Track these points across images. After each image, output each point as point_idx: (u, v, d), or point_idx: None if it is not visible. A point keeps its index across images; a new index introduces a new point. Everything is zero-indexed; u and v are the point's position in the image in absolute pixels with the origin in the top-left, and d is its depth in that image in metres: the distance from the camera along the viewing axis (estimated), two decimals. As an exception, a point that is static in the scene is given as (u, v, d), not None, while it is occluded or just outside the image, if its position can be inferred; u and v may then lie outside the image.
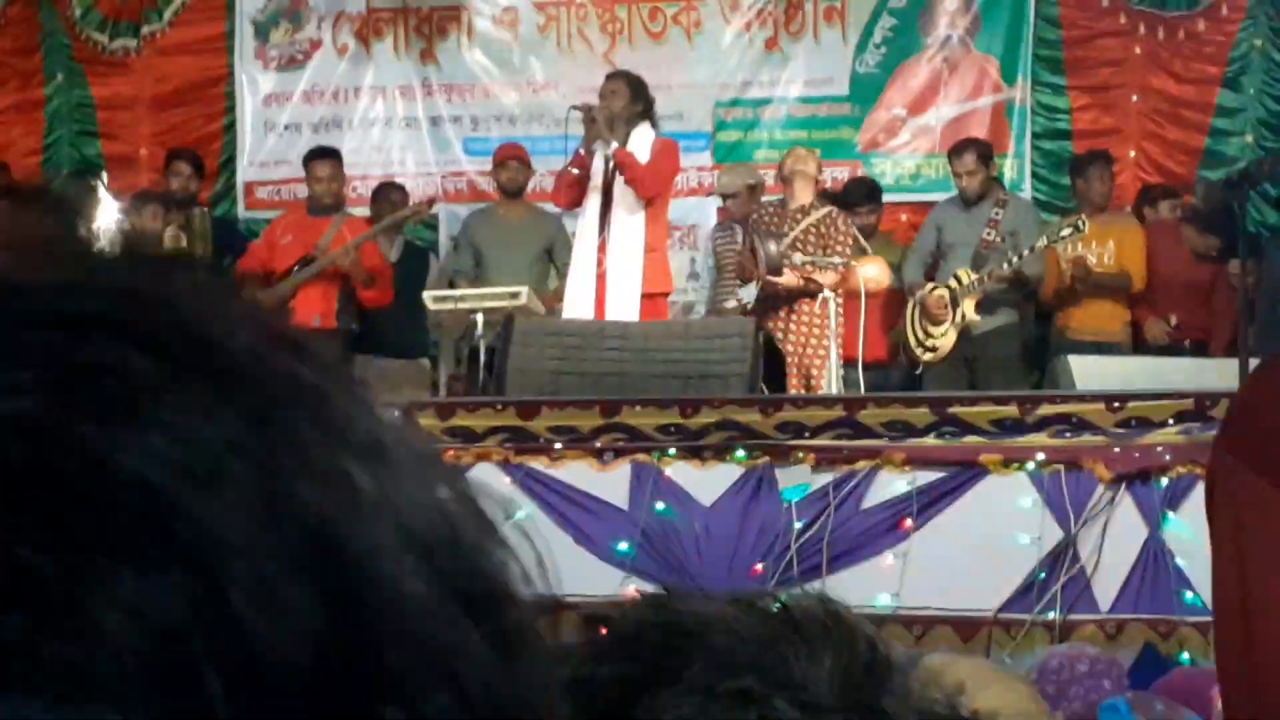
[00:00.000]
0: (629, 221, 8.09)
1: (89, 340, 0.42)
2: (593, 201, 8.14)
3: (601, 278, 8.06)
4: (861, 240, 8.66)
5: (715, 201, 10.29)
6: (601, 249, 8.09)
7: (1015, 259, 8.50)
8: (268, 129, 11.17)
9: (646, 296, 8.06)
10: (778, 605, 0.86)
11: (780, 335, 8.35)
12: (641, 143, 8.13)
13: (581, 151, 8.25)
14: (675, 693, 0.81)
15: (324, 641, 0.41)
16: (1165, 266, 9.22)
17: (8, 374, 0.41)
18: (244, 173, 11.19)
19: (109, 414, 0.41)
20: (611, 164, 8.08)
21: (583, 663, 0.83)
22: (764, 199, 9.12)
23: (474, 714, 0.43)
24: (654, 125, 8.29)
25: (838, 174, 10.08)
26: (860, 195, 9.42)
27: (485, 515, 0.46)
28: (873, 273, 8.42)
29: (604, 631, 0.86)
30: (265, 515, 0.41)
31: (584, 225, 8.22)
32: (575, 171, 8.25)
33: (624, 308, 7.95)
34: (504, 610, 0.45)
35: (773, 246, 8.34)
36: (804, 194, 8.66)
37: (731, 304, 8.77)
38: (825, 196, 9.05)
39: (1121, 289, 9.15)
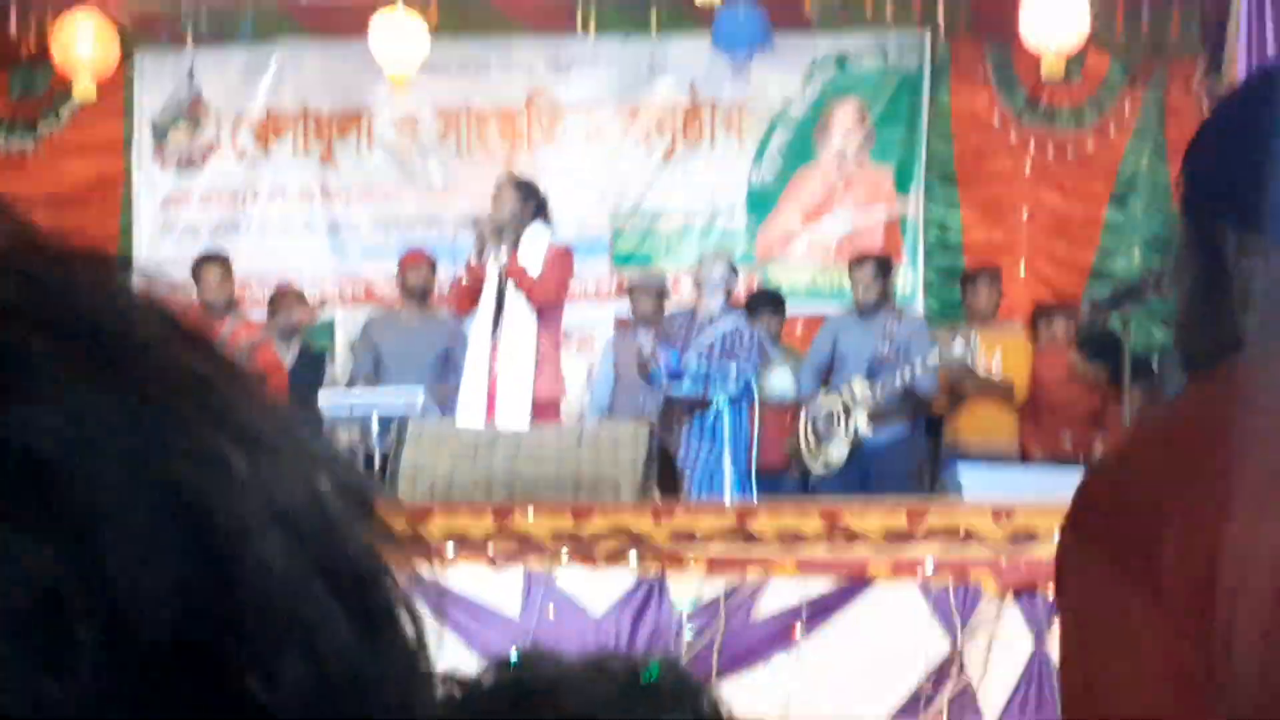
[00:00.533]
0: (521, 328, 8.12)
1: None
2: (485, 308, 8.17)
3: (493, 384, 8.08)
4: (769, 349, 8.73)
5: (613, 309, 10.37)
6: (493, 355, 8.11)
7: (908, 373, 8.60)
8: (165, 231, 11.13)
9: (539, 403, 8.07)
10: (626, 669, 0.88)
11: (676, 443, 8.38)
12: (536, 247, 8.17)
13: (472, 261, 8.28)
14: None
15: (190, 607, 0.44)
16: (1056, 387, 9.34)
17: None
18: (149, 281, 11.09)
19: (2, 389, 0.44)
20: (503, 272, 8.13)
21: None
22: (673, 312, 9.12)
23: (330, 685, 0.46)
24: (548, 225, 8.33)
25: (738, 284, 10.17)
26: (763, 304, 9.50)
27: (364, 504, 0.50)
28: (780, 382, 8.49)
29: (462, 692, 0.88)
30: (141, 487, 0.44)
31: (476, 331, 8.24)
32: (465, 282, 8.29)
33: (515, 414, 7.96)
34: (368, 591, 0.48)
35: (676, 358, 8.40)
36: (712, 302, 8.68)
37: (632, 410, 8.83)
38: (730, 306, 9.11)
39: (1004, 394, 9.26)
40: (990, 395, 9.18)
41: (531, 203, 8.35)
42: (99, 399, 0.45)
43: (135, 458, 0.45)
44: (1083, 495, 1.50)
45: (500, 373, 8.08)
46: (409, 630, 0.51)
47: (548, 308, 8.17)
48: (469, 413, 8.05)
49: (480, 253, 8.28)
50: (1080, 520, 1.48)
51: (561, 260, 8.27)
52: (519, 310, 8.12)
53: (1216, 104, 1.65)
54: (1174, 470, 1.39)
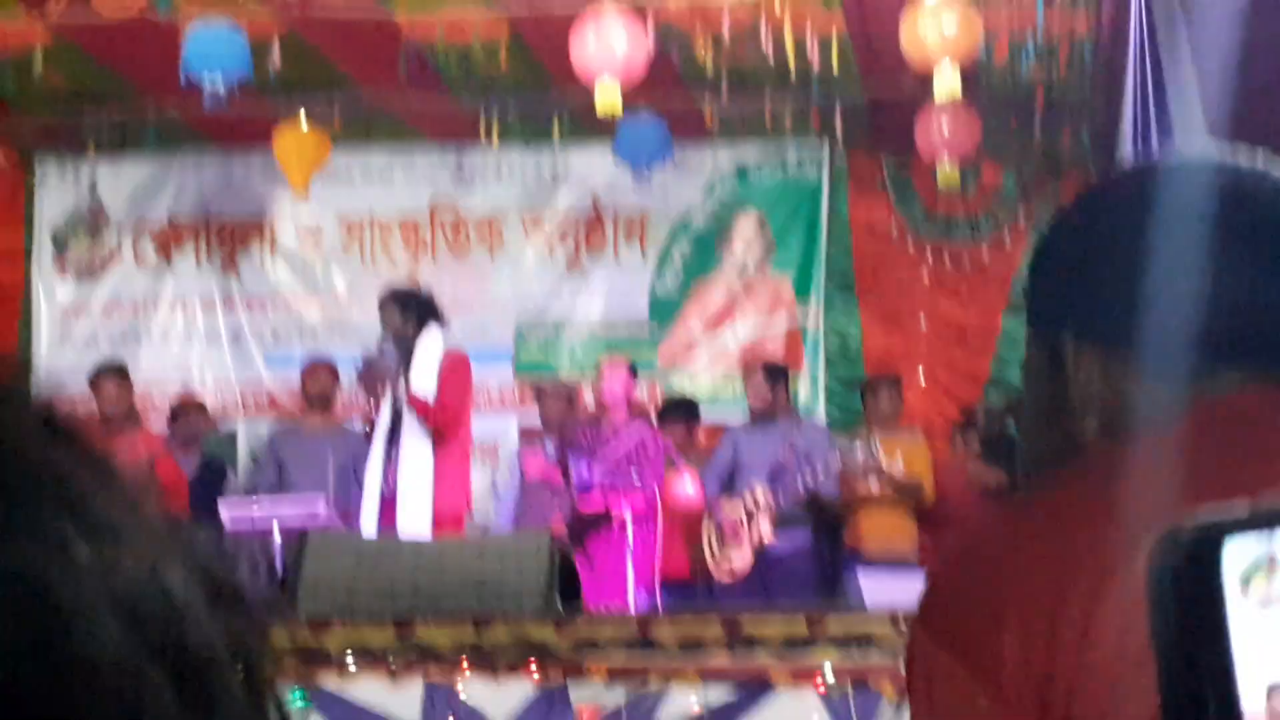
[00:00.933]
0: (418, 443, 8.13)
1: None
2: (382, 423, 8.18)
3: (390, 499, 8.08)
4: (675, 457, 8.76)
5: (516, 417, 10.39)
6: (389, 469, 8.11)
7: (810, 480, 8.65)
8: (65, 340, 11.06)
9: (440, 516, 8.07)
10: None
11: (584, 554, 8.39)
12: (430, 352, 8.20)
13: (362, 377, 8.38)
14: None
15: (24, 679, 0.48)
16: (956, 496, 9.42)
17: None
18: (38, 386, 11.00)
19: None
20: (397, 396, 8.16)
21: None
22: (578, 421, 9.12)
23: None
24: (441, 328, 8.36)
25: (640, 391, 10.22)
26: (676, 411, 9.54)
27: (219, 595, 0.54)
28: (685, 489, 8.53)
29: None
30: None
31: (374, 446, 8.25)
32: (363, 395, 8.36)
33: (415, 528, 7.96)
34: (206, 675, 0.52)
35: (582, 468, 8.42)
36: (617, 416, 8.71)
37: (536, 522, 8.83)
38: (638, 415, 9.15)
39: (913, 496, 9.32)
40: (898, 494, 9.24)
41: (413, 313, 8.37)
42: None
43: None
44: (930, 590, 1.55)
45: (400, 487, 8.08)
46: (262, 713, 0.54)
47: (447, 429, 8.18)
48: (368, 527, 8.04)
49: (368, 369, 8.35)
50: (927, 615, 1.52)
51: (456, 371, 8.27)
52: (415, 426, 8.14)
53: (1054, 216, 1.72)
54: (1012, 567, 1.43)
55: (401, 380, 8.14)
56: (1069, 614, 1.37)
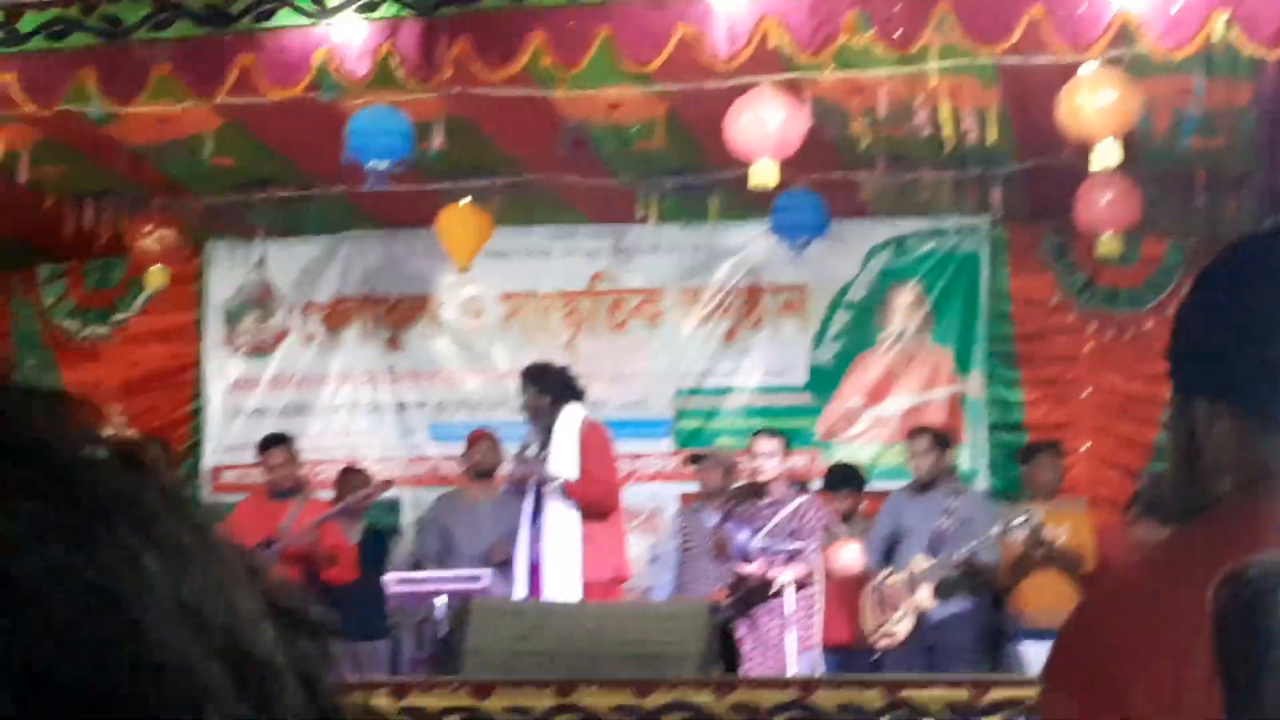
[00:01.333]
0: (563, 513, 8.22)
1: None
2: (529, 496, 8.32)
3: (535, 568, 8.19)
4: (834, 526, 8.76)
5: (677, 487, 10.43)
6: (536, 540, 8.23)
7: (972, 545, 8.60)
8: (234, 414, 11.32)
9: (593, 585, 8.13)
10: None
11: (741, 622, 8.40)
12: (570, 425, 8.30)
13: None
14: None
15: (99, 675, 0.55)
16: (1120, 564, 9.28)
17: None
18: (210, 457, 11.30)
19: None
20: (541, 459, 8.30)
21: None
22: (740, 488, 9.12)
23: None
24: (580, 402, 8.45)
25: (798, 461, 10.21)
26: (838, 480, 9.55)
27: (281, 613, 0.62)
28: (847, 557, 8.51)
29: None
30: (62, 573, 0.56)
31: (521, 521, 8.38)
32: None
33: (563, 597, 8.06)
34: (265, 679, 0.59)
35: (743, 536, 8.44)
36: (777, 485, 8.73)
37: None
38: (798, 484, 9.16)
39: (1073, 564, 9.20)
40: (1057, 564, 9.13)
41: (549, 387, 8.47)
42: (36, 504, 0.57)
43: (62, 551, 0.56)
44: (1060, 643, 1.57)
45: (547, 559, 8.18)
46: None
47: (600, 501, 8.25)
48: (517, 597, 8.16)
49: (518, 464, 8.53)
50: (1057, 666, 1.54)
51: (595, 441, 8.33)
52: (559, 495, 8.25)
53: (1192, 283, 1.74)
54: (1141, 618, 1.46)
55: (540, 453, 8.24)
56: (1195, 663, 1.38)
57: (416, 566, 9.65)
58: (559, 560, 8.17)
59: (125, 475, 0.60)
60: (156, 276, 10.53)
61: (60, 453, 0.59)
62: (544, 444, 8.41)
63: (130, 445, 0.61)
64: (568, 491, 8.19)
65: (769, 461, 8.72)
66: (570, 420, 8.32)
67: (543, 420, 8.39)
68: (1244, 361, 1.58)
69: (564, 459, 8.28)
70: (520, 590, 8.17)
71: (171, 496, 0.61)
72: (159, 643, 0.56)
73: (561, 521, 8.21)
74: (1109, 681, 1.44)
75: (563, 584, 8.10)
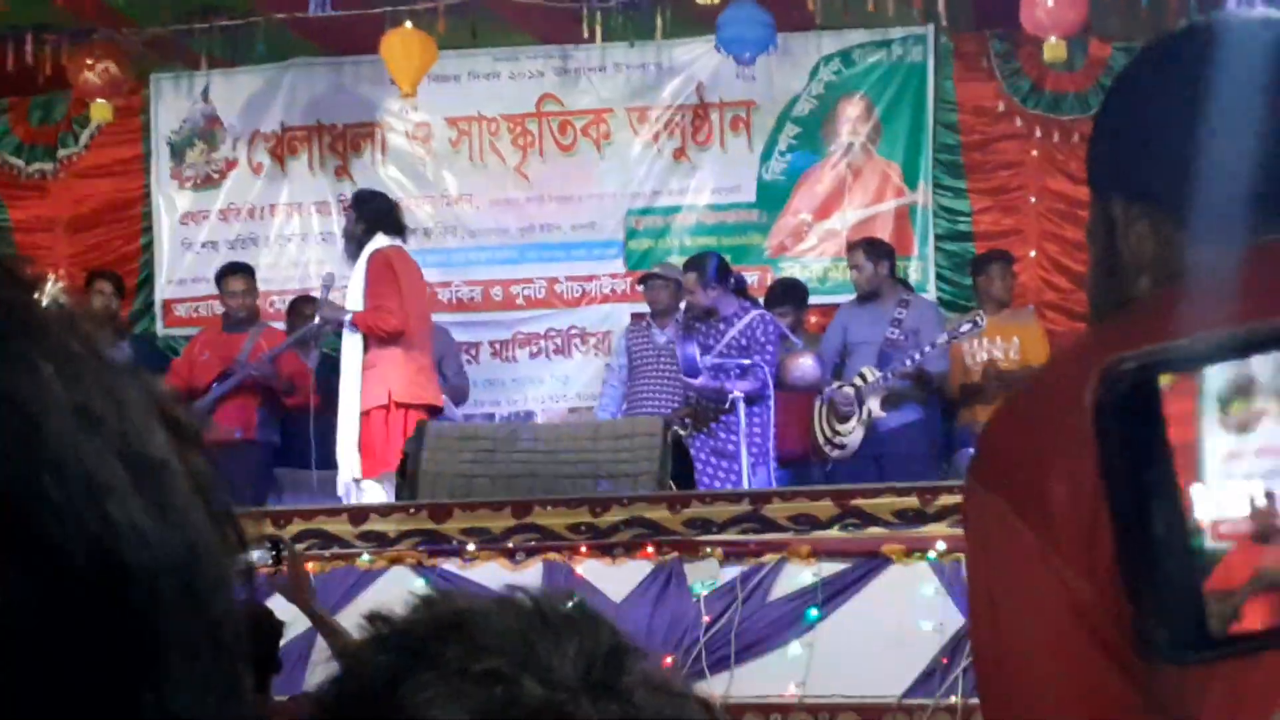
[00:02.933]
0: (350, 340, 8.33)
1: None
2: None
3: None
4: (791, 336, 8.83)
5: (628, 308, 10.50)
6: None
7: (918, 355, 8.70)
8: (185, 247, 11.29)
9: (369, 410, 8.18)
10: (530, 602, 1.00)
11: (694, 437, 8.52)
12: (366, 254, 8.35)
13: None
14: (434, 675, 0.94)
15: (1, 474, 0.57)
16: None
17: None
18: (162, 291, 11.30)
19: None
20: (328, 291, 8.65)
21: (358, 653, 0.98)
22: (690, 307, 9.13)
23: (119, 546, 0.59)
24: (396, 232, 8.47)
25: (748, 278, 10.26)
26: (784, 295, 9.60)
27: (166, 408, 0.64)
28: (803, 368, 8.60)
29: (379, 626, 1.00)
30: None
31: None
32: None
33: (346, 427, 8.15)
34: (160, 479, 0.62)
35: (690, 350, 8.51)
36: (726, 304, 8.78)
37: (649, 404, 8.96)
38: (747, 298, 9.21)
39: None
40: (1007, 384, 9.25)
41: (364, 215, 8.48)
42: None
43: None
44: (982, 438, 1.62)
45: (342, 385, 8.31)
46: (215, 529, 0.64)
47: (370, 328, 8.26)
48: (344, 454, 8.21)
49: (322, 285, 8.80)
50: (980, 462, 1.59)
51: (377, 270, 8.29)
52: (347, 329, 8.38)
53: (1111, 85, 1.76)
54: (1057, 410, 1.47)
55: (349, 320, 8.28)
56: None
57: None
58: (345, 387, 8.25)
59: (13, 290, 0.62)
60: (101, 110, 10.45)
61: None
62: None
63: (14, 261, 0.63)
64: (353, 320, 8.25)
65: (694, 295, 8.77)
66: (369, 250, 8.33)
67: (353, 248, 8.43)
68: (1160, 159, 1.60)
69: (353, 288, 8.32)
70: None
71: (63, 311, 0.63)
72: (59, 442, 0.58)
73: (349, 349, 8.28)
74: (1031, 480, 1.49)
75: (346, 411, 8.18)
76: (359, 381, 8.19)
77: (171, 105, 11.38)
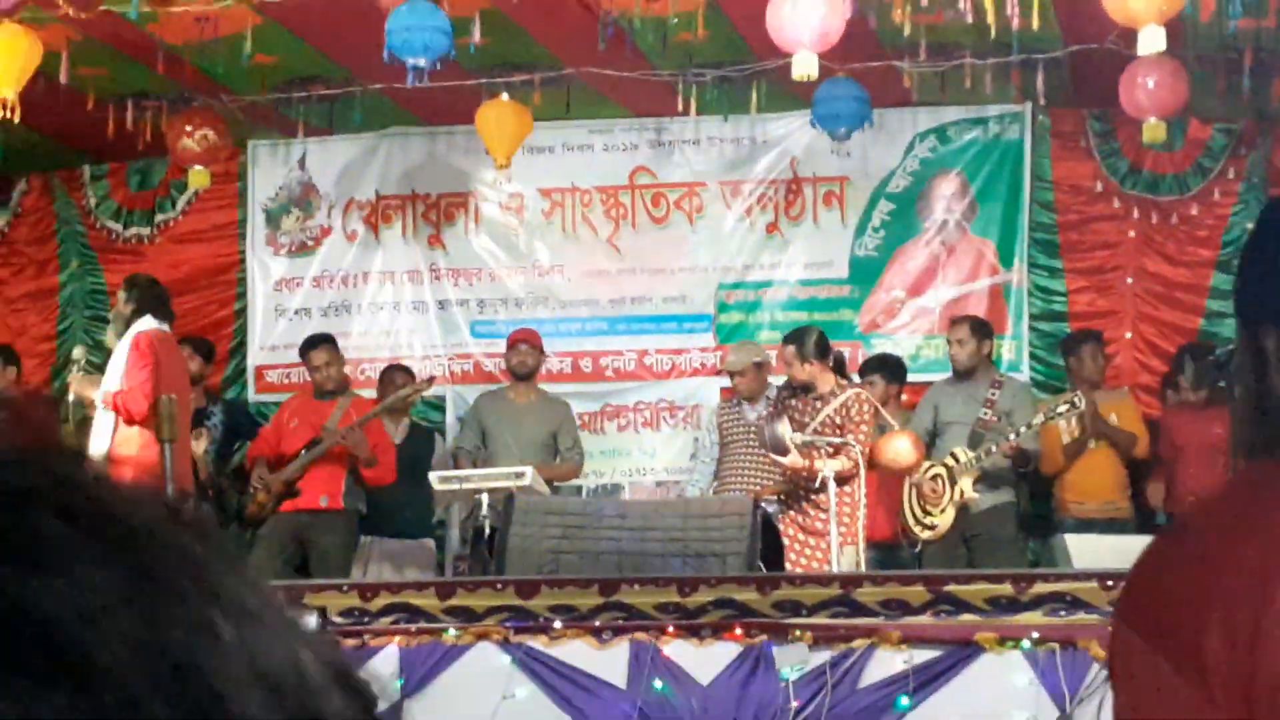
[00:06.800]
0: (102, 419, 8.23)
1: (17, 509, 0.57)
2: None
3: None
4: (885, 416, 8.71)
5: (718, 382, 10.45)
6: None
7: (1014, 435, 8.59)
8: (278, 314, 11.36)
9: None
10: None
11: (783, 518, 8.44)
12: (129, 336, 8.29)
13: None
14: None
15: None
16: (1184, 441, 9.18)
17: None
18: (255, 356, 11.36)
19: (23, 562, 0.55)
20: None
21: None
22: (785, 385, 9.02)
23: None
24: (159, 317, 8.40)
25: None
26: (880, 369, 9.49)
27: (340, 671, 0.61)
28: (899, 448, 8.48)
29: None
30: (140, 648, 0.55)
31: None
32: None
33: None
34: None
35: (779, 429, 8.42)
36: (824, 381, 8.65)
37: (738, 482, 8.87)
38: (845, 375, 9.11)
39: (1127, 443, 9.19)
40: (1112, 440, 9.12)
41: (134, 297, 8.43)
42: (106, 574, 0.56)
43: (135, 623, 0.55)
44: (1132, 581, 1.55)
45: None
46: None
47: (118, 409, 8.18)
48: None
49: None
50: (1128, 605, 1.52)
51: (134, 353, 8.20)
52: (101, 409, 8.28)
53: (1261, 211, 1.69)
54: (1215, 562, 1.42)
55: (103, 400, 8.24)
56: (1275, 611, 1.36)
57: (455, 464, 9.75)
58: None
59: (186, 537, 0.59)
60: (198, 177, 10.55)
61: (123, 518, 0.58)
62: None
63: (183, 503, 0.60)
64: (104, 400, 8.22)
65: (791, 369, 8.68)
66: (133, 331, 8.30)
67: (120, 328, 8.41)
68: None
69: (113, 369, 8.28)
70: None
71: (229, 555, 0.60)
72: (241, 715, 0.55)
73: (99, 426, 8.24)
74: (1184, 631, 1.42)
75: None
76: (105, 456, 8.11)
77: (268, 172, 11.48)
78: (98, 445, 8.05)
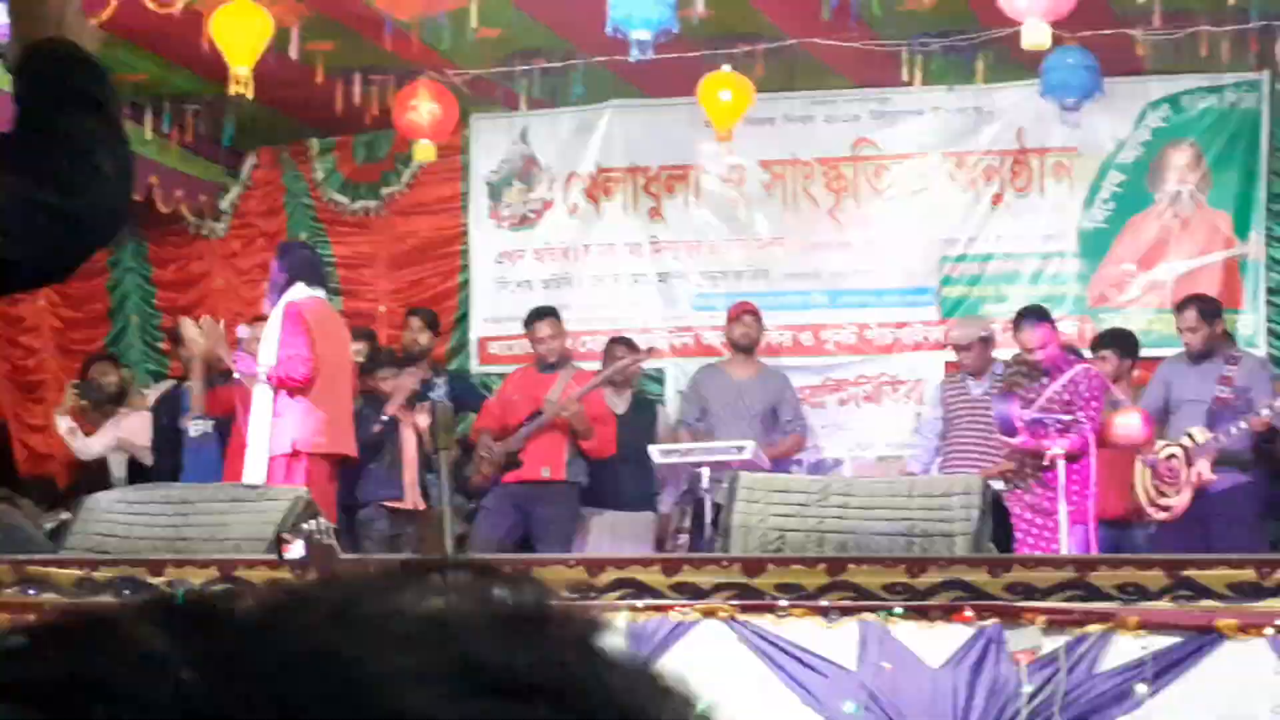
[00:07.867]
0: (261, 391, 8.20)
1: (533, 704, 0.54)
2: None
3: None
4: (1115, 392, 8.51)
5: (942, 356, 10.30)
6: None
7: (1265, 411, 8.30)
8: (500, 286, 11.45)
9: (275, 458, 8.04)
10: None
11: (1011, 495, 8.29)
12: (281, 305, 8.23)
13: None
14: None
15: None
16: None
17: None
18: (478, 329, 11.47)
19: None
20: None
21: None
22: (1015, 361, 8.86)
23: None
24: (317, 284, 8.37)
25: (1067, 328, 9.99)
26: (1112, 344, 9.28)
27: None
28: (1130, 425, 8.27)
29: None
30: None
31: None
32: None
33: (252, 473, 7.97)
34: None
35: (1007, 408, 8.27)
36: (1052, 357, 8.46)
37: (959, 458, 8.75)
38: (1074, 352, 8.92)
39: None
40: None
41: (286, 265, 8.36)
42: None
43: None
44: None
45: (250, 437, 8.19)
46: None
47: (279, 380, 8.13)
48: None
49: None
50: None
51: (288, 322, 8.16)
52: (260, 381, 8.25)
53: None
54: None
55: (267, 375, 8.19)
56: None
57: (675, 438, 9.75)
58: (253, 438, 8.13)
59: (615, 674, 0.57)
60: (423, 150, 10.65)
61: (609, 700, 0.56)
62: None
63: (594, 627, 0.58)
64: (265, 375, 8.14)
65: (1038, 351, 8.50)
66: (284, 301, 8.20)
67: (275, 297, 8.32)
68: None
69: (268, 340, 8.20)
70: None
71: (653, 682, 0.58)
72: None
73: (259, 400, 8.16)
74: None
75: (254, 460, 8.04)
76: (267, 432, 8.13)
77: (490, 145, 11.57)
78: (258, 420, 8.16)
